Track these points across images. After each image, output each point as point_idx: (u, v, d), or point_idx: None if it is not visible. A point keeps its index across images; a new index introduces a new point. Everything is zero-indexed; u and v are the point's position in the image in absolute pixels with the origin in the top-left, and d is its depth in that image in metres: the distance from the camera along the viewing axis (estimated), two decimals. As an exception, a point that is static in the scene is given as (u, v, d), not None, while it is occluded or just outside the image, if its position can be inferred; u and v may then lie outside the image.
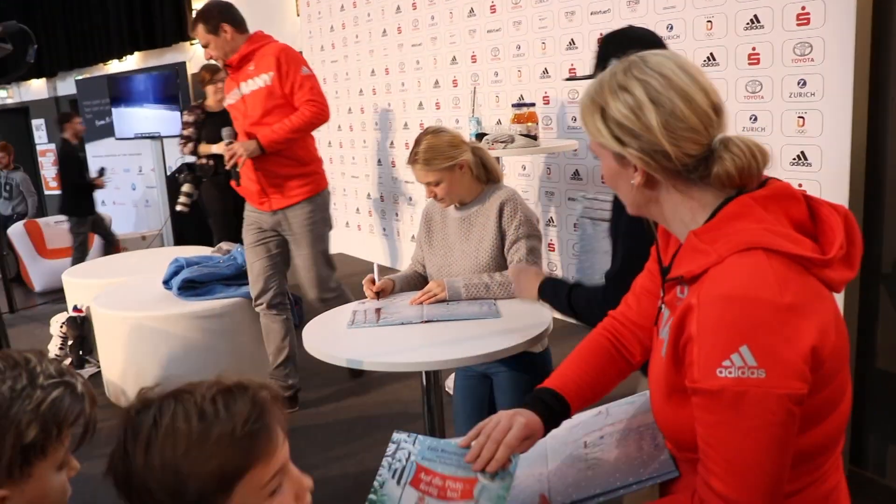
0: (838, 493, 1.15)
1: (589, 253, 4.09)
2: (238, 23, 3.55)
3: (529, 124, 3.95)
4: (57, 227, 8.02)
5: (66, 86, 11.83)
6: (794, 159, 3.09)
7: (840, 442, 1.13)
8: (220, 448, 0.93)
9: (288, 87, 3.44)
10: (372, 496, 1.21)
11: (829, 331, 1.03)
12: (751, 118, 3.26)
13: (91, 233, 7.42)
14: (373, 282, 2.47)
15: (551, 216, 4.66)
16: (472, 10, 5.03)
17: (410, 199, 6.11)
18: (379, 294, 2.47)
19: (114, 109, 8.87)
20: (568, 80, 3.94)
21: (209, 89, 5.67)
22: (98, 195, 7.46)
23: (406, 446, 1.27)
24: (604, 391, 1.41)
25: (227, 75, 3.68)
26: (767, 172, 1.13)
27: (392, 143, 6.24)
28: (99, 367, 4.27)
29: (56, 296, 6.57)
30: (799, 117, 3.08)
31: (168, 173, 8.81)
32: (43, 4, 11.17)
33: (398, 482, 1.22)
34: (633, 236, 1.78)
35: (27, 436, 1.08)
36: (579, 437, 1.35)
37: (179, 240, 8.15)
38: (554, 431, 1.38)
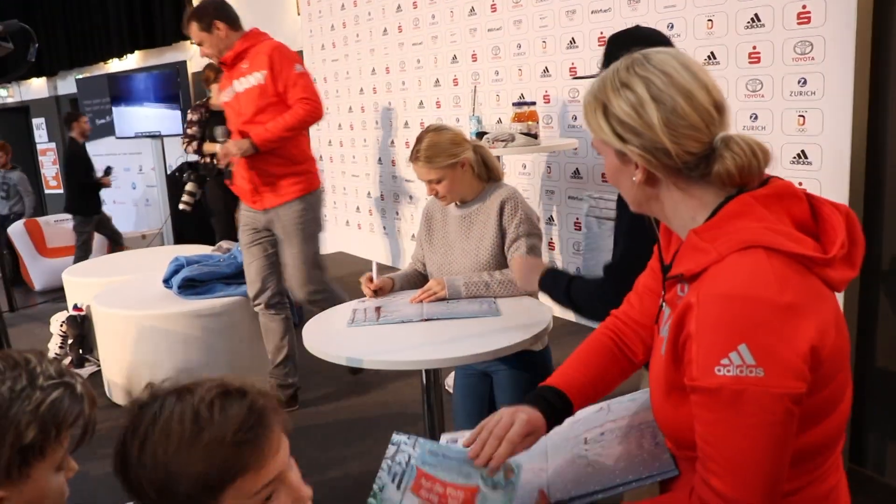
0: (838, 492, 1.15)
1: (594, 251, 4.10)
2: (232, 20, 3.52)
3: (530, 123, 3.95)
4: (57, 226, 8.02)
5: (67, 85, 11.84)
6: (795, 158, 3.09)
7: (840, 441, 1.13)
8: (208, 453, 0.93)
9: (281, 86, 3.41)
10: (371, 500, 1.20)
11: (829, 330, 1.03)
12: (751, 117, 3.26)
13: (94, 232, 7.42)
14: (371, 280, 2.47)
15: (552, 215, 4.67)
16: (472, 9, 5.03)
17: (411, 197, 6.11)
18: (377, 292, 2.47)
19: (114, 108, 8.87)
20: (576, 78, 3.94)
21: (214, 88, 5.66)
22: (102, 194, 7.47)
23: (406, 449, 1.26)
24: (606, 389, 1.41)
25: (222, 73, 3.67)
26: (768, 171, 1.13)
27: (392, 141, 6.24)
28: (99, 365, 4.27)
29: (56, 294, 6.58)
30: (799, 116, 3.08)
31: (168, 172, 8.82)
32: (43, 3, 11.18)
33: (398, 486, 1.21)
34: (634, 233, 1.79)
35: (26, 437, 1.08)
36: (580, 433, 1.35)
37: (179, 238, 8.16)
38: (555, 427, 1.38)
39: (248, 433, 0.95)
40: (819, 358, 1.00)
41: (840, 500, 1.16)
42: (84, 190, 7.16)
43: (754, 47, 3.24)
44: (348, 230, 7.18)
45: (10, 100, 13.43)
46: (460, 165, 2.36)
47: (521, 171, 4.84)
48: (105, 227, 7.51)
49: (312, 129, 7.44)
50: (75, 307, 4.62)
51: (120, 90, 8.41)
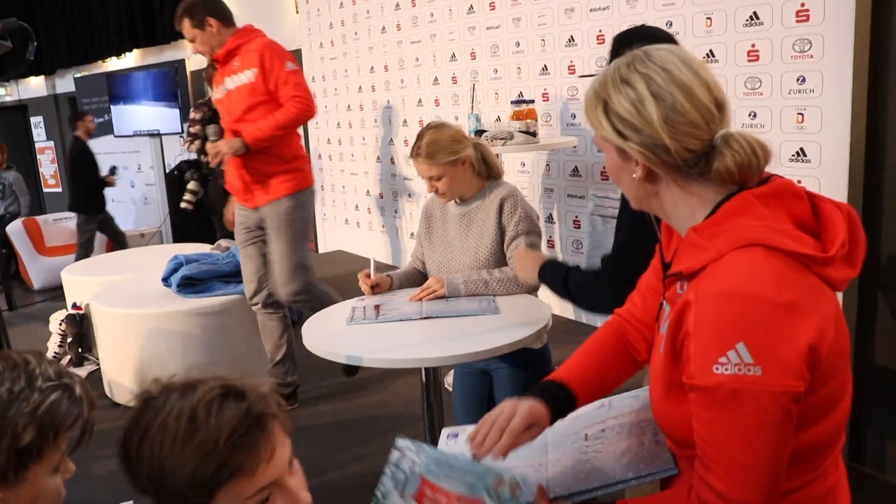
0: (837, 491, 1.15)
1: (598, 249, 4.10)
2: (224, 16, 3.49)
3: (529, 121, 3.95)
4: (56, 225, 8.03)
5: (65, 83, 11.82)
6: (794, 156, 3.10)
7: (840, 440, 1.13)
8: (199, 454, 0.93)
9: (272, 84, 3.38)
10: None
11: (828, 329, 1.02)
12: (750, 115, 3.26)
13: (97, 231, 7.43)
14: (368, 276, 2.47)
15: (551, 213, 4.67)
16: (471, 7, 5.03)
17: (410, 195, 6.11)
18: (374, 288, 2.47)
19: (112, 107, 8.87)
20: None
21: None
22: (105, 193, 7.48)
23: (410, 455, 1.25)
24: (611, 385, 1.41)
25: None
26: (767, 169, 1.13)
27: (391, 140, 6.24)
28: (98, 364, 4.27)
29: (55, 293, 6.58)
30: (798, 114, 3.09)
31: (167, 171, 8.81)
32: (43, 2, 11.16)
33: (401, 494, 1.20)
34: (634, 227, 1.81)
35: (23, 439, 1.08)
36: (580, 429, 1.35)
37: (178, 237, 8.16)
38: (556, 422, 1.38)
39: (241, 438, 0.94)
40: (818, 357, 1.00)
41: (840, 498, 1.15)
42: (89, 188, 7.18)
43: (753, 45, 3.24)
44: (347, 228, 7.18)
45: (8, 98, 13.42)
46: (461, 163, 2.36)
47: (520, 170, 4.84)
48: (108, 226, 7.52)
49: (311, 127, 7.48)
50: (74, 306, 4.62)
51: (118, 89, 8.41)
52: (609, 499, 1.18)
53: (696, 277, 1.07)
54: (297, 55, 7.34)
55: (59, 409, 1.12)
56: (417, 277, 2.58)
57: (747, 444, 1.00)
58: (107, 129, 9.52)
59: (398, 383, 3.94)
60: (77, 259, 6.68)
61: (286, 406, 1.06)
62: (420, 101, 5.76)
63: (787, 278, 1.01)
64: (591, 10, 4.10)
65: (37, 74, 12.16)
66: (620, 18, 3.91)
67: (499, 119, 4.79)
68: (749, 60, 3.26)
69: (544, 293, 2.43)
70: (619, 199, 1.96)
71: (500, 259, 2.38)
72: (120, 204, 10.18)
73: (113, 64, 10.35)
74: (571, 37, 4.27)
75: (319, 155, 7.47)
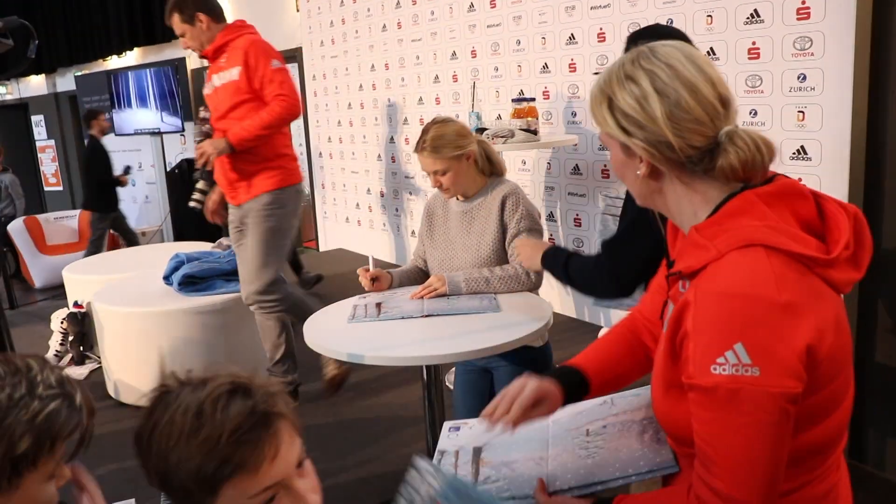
0: (838, 491, 1.15)
1: None
2: (214, 12, 3.46)
3: (529, 119, 3.95)
4: (57, 224, 8.04)
5: (66, 82, 11.82)
6: (794, 154, 3.10)
7: (841, 441, 1.13)
8: (202, 450, 0.93)
9: (257, 82, 3.34)
10: None
11: (828, 331, 1.02)
12: (751, 113, 3.27)
13: (109, 230, 7.47)
14: (367, 271, 2.47)
15: (552, 211, 4.67)
16: (471, 5, 5.03)
17: (411, 194, 6.11)
18: (374, 282, 2.47)
19: (113, 105, 8.87)
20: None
21: None
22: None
23: (429, 478, 1.24)
24: (625, 378, 1.42)
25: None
26: (770, 168, 1.13)
27: (392, 138, 6.24)
28: (99, 362, 4.28)
29: (56, 292, 6.58)
30: (799, 112, 3.09)
31: (168, 169, 8.82)
32: (43, 0, 11.16)
33: None
34: (636, 217, 1.83)
35: (19, 447, 1.07)
36: (582, 424, 1.36)
37: (179, 235, 8.17)
38: (557, 417, 1.39)
39: (246, 433, 0.94)
40: (816, 358, 1.00)
41: (840, 498, 1.15)
42: (102, 187, 7.25)
43: (754, 43, 3.24)
44: (348, 227, 7.18)
45: (8, 97, 13.43)
46: (465, 158, 2.37)
47: (520, 168, 4.84)
48: (120, 225, 7.57)
49: (312, 126, 7.48)
50: (76, 304, 4.62)
51: (119, 87, 8.40)
52: (609, 494, 1.18)
53: (697, 277, 1.07)
54: (297, 53, 7.35)
55: (58, 418, 1.11)
56: (418, 275, 2.58)
57: (745, 444, 1.00)
58: (108, 127, 9.52)
59: (399, 381, 3.93)
60: (86, 255, 6.71)
61: (293, 417, 1.04)
62: (421, 99, 5.76)
63: (787, 279, 1.00)
64: (591, 8, 4.10)
65: (37, 73, 12.17)
66: (621, 16, 3.91)
67: (500, 117, 4.79)
68: (750, 58, 3.26)
69: (545, 291, 2.44)
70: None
71: (501, 256, 2.39)
72: (121, 202, 10.21)
73: (113, 62, 10.36)
74: (572, 35, 4.27)
75: (320, 153, 7.47)
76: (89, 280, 4.65)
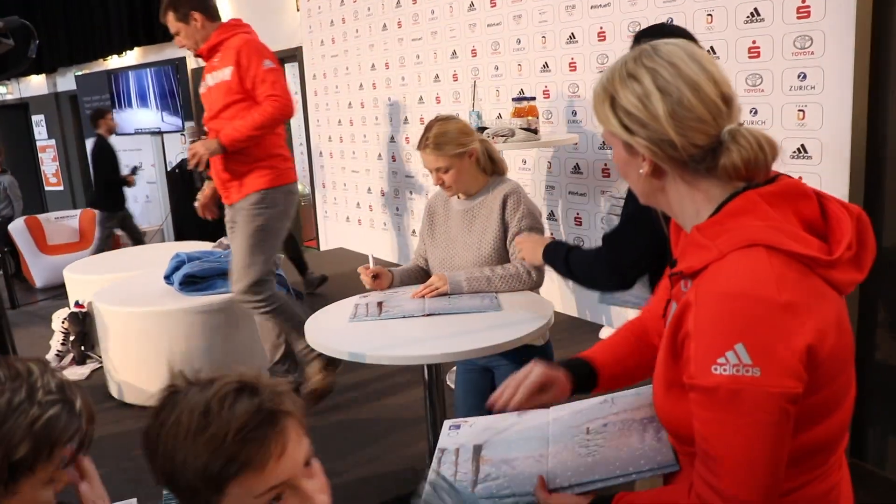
0: (839, 490, 1.15)
1: None
2: (209, 11, 3.44)
3: (530, 118, 3.95)
4: (57, 223, 8.04)
5: (66, 81, 11.83)
6: (795, 152, 3.10)
7: (843, 441, 1.13)
8: (208, 448, 0.93)
9: (249, 83, 3.31)
10: None
11: (829, 331, 1.02)
12: (751, 111, 3.27)
13: (116, 229, 7.51)
14: (367, 269, 2.47)
15: (552, 210, 4.67)
16: (472, 5, 5.03)
17: (411, 193, 6.11)
18: (375, 279, 2.47)
19: (114, 105, 8.87)
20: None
21: None
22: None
23: (444, 496, 1.24)
24: (634, 374, 1.43)
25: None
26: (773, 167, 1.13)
27: (393, 137, 6.24)
28: (101, 362, 4.28)
29: (57, 292, 6.58)
30: (799, 110, 3.09)
31: (168, 169, 8.82)
32: (43, 0, 11.16)
33: None
34: (635, 212, 1.86)
35: (17, 453, 1.07)
36: (582, 423, 1.36)
37: (180, 235, 8.17)
38: (557, 415, 1.40)
39: (252, 431, 0.94)
40: (817, 358, 1.00)
41: (841, 497, 1.15)
42: (109, 186, 7.28)
43: (754, 42, 3.24)
44: (349, 226, 7.18)
45: (9, 97, 13.43)
46: (468, 156, 2.37)
47: (521, 167, 4.84)
48: (127, 224, 7.60)
49: (312, 125, 7.48)
50: (77, 304, 4.62)
51: (119, 87, 8.40)
52: (609, 492, 1.19)
53: (698, 277, 1.07)
54: (297, 52, 7.35)
55: (57, 425, 1.11)
56: (419, 274, 2.59)
57: (746, 444, 1.00)
58: (108, 127, 9.51)
59: (400, 381, 3.94)
60: (93, 254, 6.74)
61: (303, 404, 1.05)
62: (421, 98, 5.76)
63: (788, 279, 1.00)
64: (591, 7, 4.10)
65: (38, 73, 12.17)
66: (621, 15, 3.91)
67: (500, 116, 4.79)
68: (750, 57, 3.26)
69: (546, 290, 2.44)
70: None
71: (502, 255, 2.39)
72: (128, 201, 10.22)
73: (114, 62, 10.36)
74: (572, 34, 4.27)
75: (320, 152, 7.47)
76: (90, 280, 4.65)
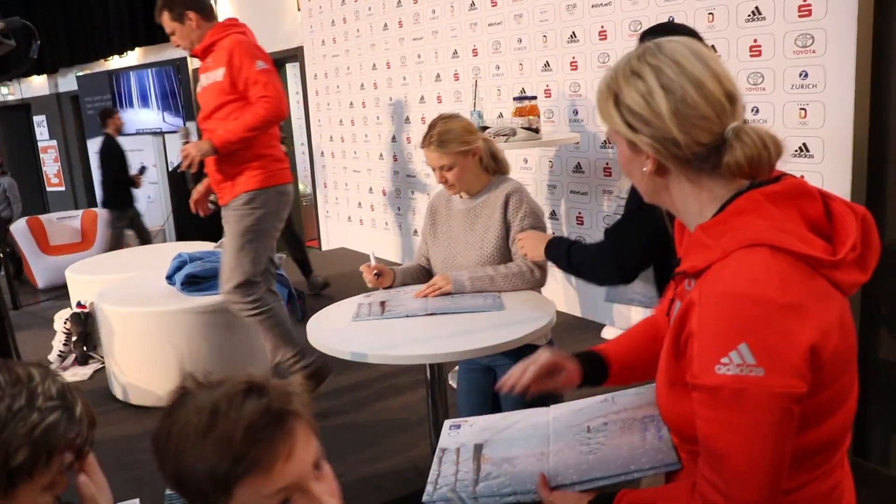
0: (841, 490, 1.15)
1: None
2: (204, 10, 3.41)
3: (531, 117, 3.95)
4: (59, 224, 8.04)
5: (68, 82, 11.83)
6: (796, 151, 3.10)
7: (845, 441, 1.13)
8: (216, 448, 0.93)
9: (241, 84, 3.28)
10: None
11: (833, 332, 1.02)
12: (752, 110, 3.26)
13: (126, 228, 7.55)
14: (370, 267, 2.47)
15: (554, 210, 4.67)
16: (473, 4, 5.03)
17: (413, 193, 6.11)
18: (378, 276, 2.47)
19: (115, 105, 8.87)
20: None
21: None
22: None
23: None
24: (645, 369, 1.43)
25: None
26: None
27: (394, 137, 6.24)
28: (103, 362, 4.28)
29: (59, 292, 6.59)
30: (801, 109, 3.08)
31: (170, 169, 8.82)
32: (44, 0, 11.16)
33: None
34: (636, 207, 1.87)
35: (15, 459, 1.06)
36: (583, 421, 1.36)
37: (182, 235, 8.18)
38: (558, 414, 1.40)
39: (260, 431, 0.93)
40: (820, 359, 1.00)
41: (844, 496, 1.15)
42: (117, 185, 7.32)
43: (755, 40, 3.24)
44: (350, 226, 7.19)
45: (11, 97, 13.44)
46: (471, 154, 2.37)
47: (522, 166, 4.84)
48: (136, 223, 7.66)
49: (314, 125, 7.49)
50: (79, 304, 4.63)
51: (120, 87, 8.41)
52: (611, 490, 1.19)
53: (702, 276, 1.06)
54: (298, 52, 7.35)
55: (56, 432, 1.10)
56: (420, 273, 2.59)
57: (749, 444, 1.00)
58: (110, 127, 9.52)
59: (402, 381, 3.94)
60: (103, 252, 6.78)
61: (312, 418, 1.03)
62: (422, 97, 5.76)
63: (792, 279, 1.00)
64: (592, 6, 4.10)
65: (39, 73, 12.18)
66: (622, 14, 3.91)
67: (501, 116, 4.79)
68: (751, 56, 3.26)
69: (549, 290, 2.44)
70: None
71: (504, 254, 2.39)
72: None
73: (115, 62, 10.36)
74: (573, 33, 4.26)
75: (322, 152, 7.48)
76: (92, 280, 4.66)
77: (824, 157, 3.00)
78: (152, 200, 10.04)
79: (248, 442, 0.93)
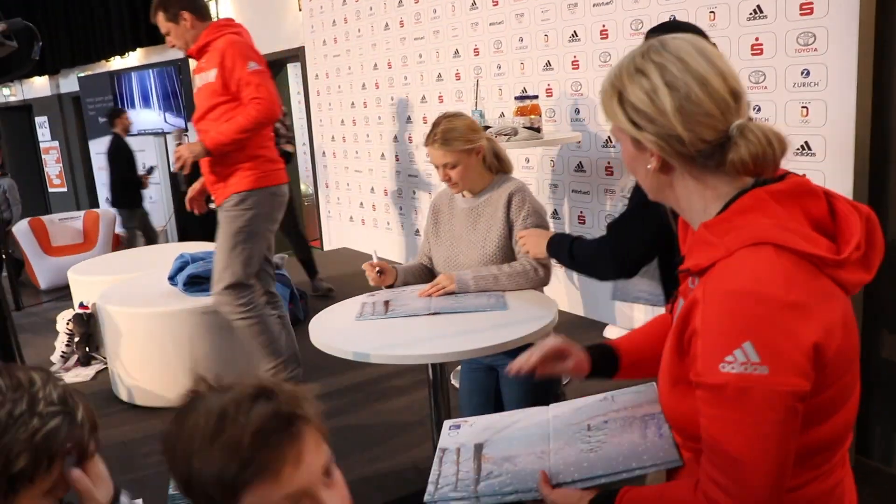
0: (843, 488, 1.15)
1: None
2: (199, 10, 3.40)
3: (533, 117, 3.95)
4: (61, 225, 8.04)
5: (69, 83, 11.85)
6: (798, 149, 3.09)
7: (846, 439, 1.13)
8: (223, 453, 0.91)
9: (234, 85, 3.27)
10: None
11: (836, 331, 1.02)
12: (754, 108, 3.26)
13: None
14: (372, 266, 2.47)
15: (556, 209, 4.67)
16: (474, 3, 5.03)
17: (414, 192, 6.11)
18: (381, 273, 2.47)
19: (116, 106, 8.88)
20: None
21: None
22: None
23: None
24: (656, 364, 1.43)
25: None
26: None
27: (396, 136, 6.24)
28: (106, 363, 4.29)
29: (61, 293, 6.60)
30: (802, 107, 3.08)
31: (172, 169, 8.82)
32: (45, 1, 11.17)
33: None
34: (638, 203, 1.89)
35: (15, 465, 1.06)
36: (583, 420, 1.36)
37: (184, 236, 8.19)
38: (557, 413, 1.40)
39: (268, 436, 0.92)
40: (824, 357, 1.00)
41: (845, 496, 1.15)
42: (125, 184, 7.39)
43: (757, 39, 3.23)
44: (352, 226, 7.19)
45: (12, 98, 13.45)
46: (475, 153, 2.38)
47: (524, 166, 4.84)
48: (144, 223, 7.70)
49: (315, 125, 7.49)
50: (81, 305, 4.63)
51: (122, 88, 8.43)
52: (613, 487, 1.18)
53: (706, 274, 1.07)
54: (299, 52, 7.36)
55: (57, 437, 1.10)
56: (422, 271, 2.59)
57: (753, 442, 1.00)
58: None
59: (404, 381, 3.94)
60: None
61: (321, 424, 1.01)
62: (424, 97, 5.76)
63: (796, 278, 1.00)
64: (594, 6, 4.10)
65: (41, 74, 12.19)
66: (624, 13, 3.90)
67: (503, 115, 4.79)
68: (753, 54, 3.25)
69: (551, 289, 2.44)
70: None
71: (506, 254, 2.39)
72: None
73: (116, 63, 10.37)
74: (575, 32, 4.26)
75: (323, 152, 7.48)
76: (94, 281, 4.66)
77: (826, 156, 3.00)
78: (154, 201, 10.04)
79: (256, 447, 0.91)
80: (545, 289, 2.41)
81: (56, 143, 12.77)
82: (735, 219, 1.07)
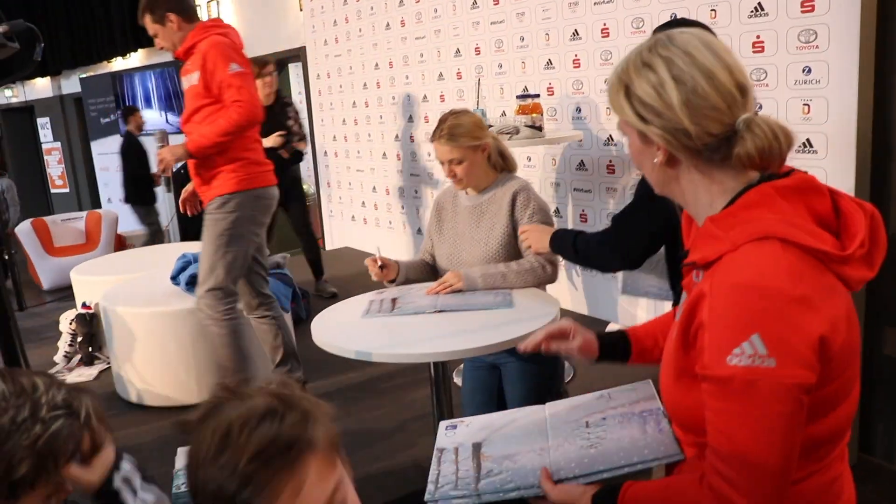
0: (841, 482, 1.15)
1: None
2: (185, 12, 3.36)
3: (534, 115, 3.94)
4: (64, 225, 8.05)
5: (71, 84, 11.85)
6: (800, 147, 3.09)
7: (846, 434, 1.13)
8: (221, 473, 0.90)
9: (216, 87, 3.24)
10: None
11: (840, 326, 1.02)
12: (756, 106, 3.25)
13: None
14: (375, 261, 2.48)
15: (558, 207, 4.67)
16: (475, 2, 5.03)
17: (416, 192, 6.12)
18: (383, 268, 2.47)
19: (118, 107, 8.89)
20: None
21: (257, 83, 5.57)
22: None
23: None
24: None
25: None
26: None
27: (397, 136, 6.24)
28: (109, 363, 4.29)
29: (64, 293, 6.61)
30: (804, 105, 3.08)
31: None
32: (46, 2, 11.18)
33: None
34: (641, 197, 1.91)
35: (17, 471, 1.06)
36: (580, 417, 1.36)
37: (186, 236, 8.19)
38: (555, 411, 1.40)
39: (266, 462, 0.89)
40: (829, 351, 1.00)
41: (843, 490, 1.16)
42: (136, 181, 7.47)
43: (758, 36, 3.23)
44: (354, 225, 7.19)
45: (14, 100, 13.46)
46: (481, 150, 2.39)
47: (526, 164, 4.84)
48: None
49: (317, 125, 7.49)
50: (84, 305, 4.64)
51: (124, 89, 8.44)
52: (615, 482, 1.19)
53: (711, 268, 1.07)
54: (301, 52, 7.36)
55: (59, 441, 1.10)
56: (424, 268, 2.60)
57: (759, 435, 1.00)
58: (114, 128, 9.55)
59: (406, 380, 3.94)
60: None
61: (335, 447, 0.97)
62: (425, 96, 5.77)
63: (802, 273, 1.00)
64: (595, 4, 4.09)
65: (42, 75, 12.19)
66: (625, 12, 3.90)
67: (504, 114, 4.79)
68: (754, 52, 3.25)
69: (554, 287, 2.44)
70: None
71: (510, 251, 2.39)
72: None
73: (118, 64, 10.38)
74: (576, 30, 4.26)
75: (325, 152, 7.48)
76: (97, 281, 4.67)
77: (828, 153, 3.00)
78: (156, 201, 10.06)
79: (254, 470, 0.89)
80: (548, 287, 2.41)
81: (58, 144, 12.78)
82: (741, 213, 1.07)
